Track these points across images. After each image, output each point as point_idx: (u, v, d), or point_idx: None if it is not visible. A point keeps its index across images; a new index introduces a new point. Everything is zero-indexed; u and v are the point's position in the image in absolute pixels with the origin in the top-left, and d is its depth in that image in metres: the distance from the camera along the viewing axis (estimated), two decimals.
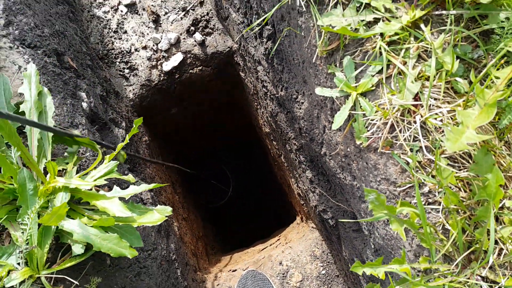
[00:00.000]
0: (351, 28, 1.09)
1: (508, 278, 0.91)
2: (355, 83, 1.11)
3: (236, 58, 2.61)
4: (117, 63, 2.67)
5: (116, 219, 1.17)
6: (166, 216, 1.31)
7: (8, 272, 1.04)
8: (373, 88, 1.09)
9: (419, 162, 1.02)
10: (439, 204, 0.99)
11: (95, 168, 1.28)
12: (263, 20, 1.55)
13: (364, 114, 1.10)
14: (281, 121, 2.04)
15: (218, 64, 2.71)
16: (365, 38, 1.10)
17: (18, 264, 1.06)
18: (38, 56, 1.69)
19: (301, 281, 2.28)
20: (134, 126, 1.33)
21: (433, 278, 0.98)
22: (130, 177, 1.35)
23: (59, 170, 1.28)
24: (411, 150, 1.03)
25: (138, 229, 1.79)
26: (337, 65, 1.16)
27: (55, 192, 1.16)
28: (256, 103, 2.60)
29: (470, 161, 0.97)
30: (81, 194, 1.19)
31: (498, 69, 0.97)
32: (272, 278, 2.31)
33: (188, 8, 2.76)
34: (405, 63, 1.04)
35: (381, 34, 1.07)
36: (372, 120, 1.09)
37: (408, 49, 1.05)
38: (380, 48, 1.06)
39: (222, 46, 2.66)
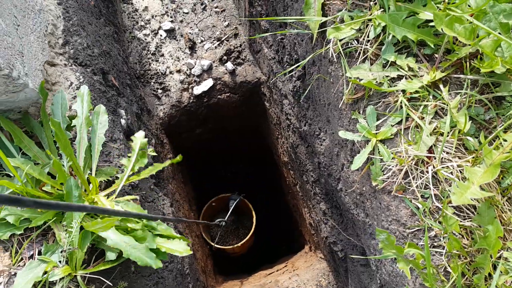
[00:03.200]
0: (376, 82, 1.22)
1: None
2: (376, 130, 1.24)
3: (263, 88, 2.76)
4: (152, 83, 2.85)
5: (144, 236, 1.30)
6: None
7: (51, 268, 1.16)
8: (392, 137, 1.21)
9: (428, 208, 1.13)
10: (443, 248, 1.09)
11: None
12: (297, 65, 1.69)
13: (381, 159, 1.22)
14: (301, 153, 2.17)
15: (245, 92, 2.87)
16: (388, 92, 1.22)
17: (59, 262, 1.19)
18: (88, 74, 1.86)
19: None
20: (177, 157, 1.48)
21: None
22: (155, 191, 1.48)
23: (100, 181, 1.42)
24: (422, 196, 1.14)
25: None
26: (361, 112, 1.29)
27: (97, 202, 1.29)
28: (277, 133, 2.73)
29: (475, 212, 1.08)
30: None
31: (506, 132, 1.09)
32: None
33: (223, 39, 2.94)
34: (422, 118, 1.17)
35: (403, 90, 1.20)
36: (388, 165, 1.20)
37: (426, 106, 1.17)
38: (401, 102, 1.18)
39: (251, 77, 2.82)
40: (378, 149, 1.22)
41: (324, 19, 1.34)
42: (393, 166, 1.19)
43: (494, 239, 0.99)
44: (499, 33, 1.09)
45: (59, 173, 1.19)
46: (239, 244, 3.44)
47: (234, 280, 3.17)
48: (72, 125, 1.42)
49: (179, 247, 1.30)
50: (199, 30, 3.00)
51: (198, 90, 2.83)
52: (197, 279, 2.40)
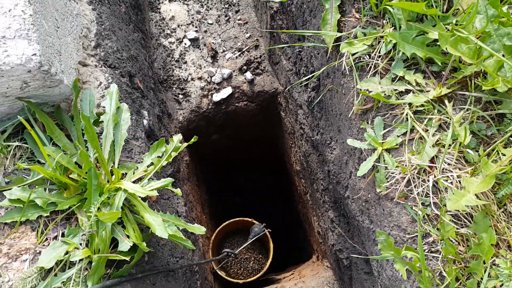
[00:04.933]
0: (384, 94, 1.30)
1: None
2: (382, 140, 1.31)
3: (279, 99, 2.86)
4: (174, 88, 2.97)
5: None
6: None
7: (73, 249, 1.26)
8: (397, 146, 1.28)
9: (428, 215, 1.19)
10: (439, 254, 1.16)
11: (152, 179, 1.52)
12: (312, 75, 1.78)
13: (386, 167, 1.29)
14: (313, 161, 2.24)
15: (262, 101, 2.97)
16: (395, 104, 1.30)
17: (80, 244, 1.29)
18: (116, 75, 1.98)
19: None
20: (193, 139, 1.61)
21: None
22: (178, 191, 1.58)
23: (122, 174, 1.52)
24: (422, 204, 1.21)
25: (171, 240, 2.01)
26: (369, 122, 1.37)
27: (117, 191, 1.39)
28: (291, 142, 2.82)
29: (471, 221, 1.14)
30: (136, 201, 1.42)
31: (505, 147, 1.16)
32: None
33: (243, 50, 3.06)
34: (426, 130, 1.24)
35: (410, 104, 1.27)
36: (392, 173, 1.28)
37: (430, 119, 1.24)
38: (407, 115, 1.26)
39: (268, 87, 2.92)
40: (384, 157, 1.29)
41: (339, 34, 1.43)
42: (396, 174, 1.26)
43: (488, 246, 1.05)
44: (503, 55, 1.16)
45: (85, 162, 1.30)
46: (243, 282, 3.15)
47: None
48: (100, 120, 1.53)
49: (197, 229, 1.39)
50: (221, 40, 3.12)
51: (217, 97, 2.95)
52: (205, 278, 2.48)
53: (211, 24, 3.20)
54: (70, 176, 1.34)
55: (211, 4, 3.27)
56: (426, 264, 1.16)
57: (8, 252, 1.24)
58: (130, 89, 2.07)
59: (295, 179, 3.07)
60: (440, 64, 1.28)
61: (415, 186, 1.22)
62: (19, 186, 1.28)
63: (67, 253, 1.24)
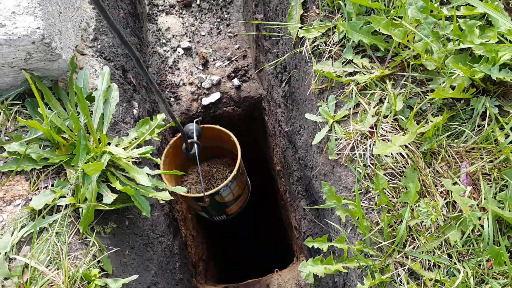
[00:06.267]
0: (335, 74, 1.52)
1: (415, 263, 1.22)
2: (334, 113, 1.52)
3: (263, 103, 3.08)
4: (166, 92, 3.20)
5: (139, 187, 1.58)
6: (173, 196, 1.69)
7: (60, 197, 1.44)
8: (345, 119, 1.49)
9: (367, 174, 1.38)
10: (376, 205, 1.34)
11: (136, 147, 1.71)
12: (277, 60, 2.01)
13: (336, 138, 1.49)
14: (289, 155, 2.44)
15: (248, 106, 3.19)
16: (344, 83, 1.52)
17: (67, 194, 1.46)
18: (110, 66, 2.21)
19: None
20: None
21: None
22: (158, 160, 1.77)
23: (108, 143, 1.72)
24: (364, 165, 1.40)
25: (153, 218, 2.17)
26: (324, 100, 1.58)
27: (103, 154, 1.59)
28: (273, 144, 3.02)
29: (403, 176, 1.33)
30: (121, 162, 1.60)
31: (434, 116, 1.36)
32: None
33: (232, 59, 3.31)
34: (369, 104, 1.45)
35: (356, 82, 1.49)
36: (341, 141, 1.47)
37: (373, 94, 1.45)
38: (353, 91, 1.47)
39: (254, 92, 3.15)
40: (334, 128, 1.50)
41: (301, 25, 1.67)
42: (343, 141, 1.46)
43: (413, 193, 1.24)
44: (431, 40, 1.38)
45: (75, 123, 1.50)
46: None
47: (222, 284, 3.34)
48: (92, 96, 1.74)
49: (164, 195, 1.56)
50: (212, 50, 3.38)
51: (206, 101, 3.17)
52: (185, 264, 2.62)
53: (204, 35, 3.47)
54: (62, 135, 1.54)
55: (205, 18, 3.56)
56: (366, 216, 1.34)
57: (3, 197, 1.42)
58: (123, 80, 2.29)
59: (277, 181, 3.24)
60: (383, 50, 1.51)
61: (357, 150, 1.42)
62: (17, 142, 1.48)
63: (54, 200, 1.42)
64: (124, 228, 1.77)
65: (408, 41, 1.39)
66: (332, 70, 1.52)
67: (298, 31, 1.64)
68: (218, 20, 3.53)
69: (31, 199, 1.43)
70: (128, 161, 1.63)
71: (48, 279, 1.29)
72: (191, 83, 3.25)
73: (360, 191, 1.40)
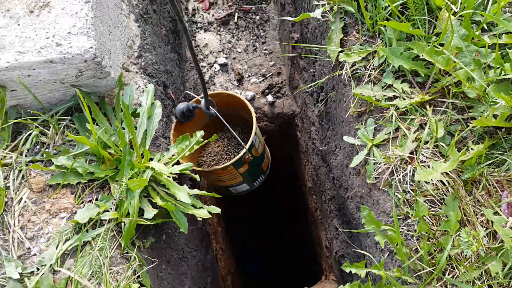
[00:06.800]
0: (375, 98, 1.53)
1: None
2: (372, 137, 1.53)
3: (296, 120, 3.11)
4: None
5: (179, 204, 1.63)
6: (211, 215, 1.72)
7: (104, 211, 1.51)
8: (384, 143, 1.49)
9: (407, 200, 1.38)
10: (415, 232, 1.33)
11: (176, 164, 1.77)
12: (316, 82, 2.04)
13: (375, 161, 1.50)
14: (322, 173, 2.45)
15: (281, 123, 3.23)
16: (383, 107, 1.53)
17: (110, 208, 1.53)
18: (153, 83, 2.30)
19: None
20: (213, 136, 1.84)
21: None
22: (196, 177, 1.82)
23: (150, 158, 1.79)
24: (403, 190, 1.40)
25: (189, 233, 2.22)
26: (363, 123, 1.59)
27: (146, 169, 1.65)
28: (305, 160, 3.03)
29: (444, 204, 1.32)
30: (162, 178, 1.66)
31: (475, 144, 1.35)
32: None
33: (267, 75, 3.37)
34: (409, 129, 1.45)
35: (396, 107, 1.49)
36: (379, 165, 1.48)
37: (413, 120, 1.46)
38: (393, 116, 1.48)
39: (287, 109, 3.19)
40: (373, 152, 1.50)
41: (341, 49, 1.69)
42: (382, 165, 1.47)
43: (454, 221, 1.23)
44: (472, 69, 1.38)
45: (122, 140, 1.57)
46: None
47: None
48: (136, 112, 1.81)
49: (202, 213, 1.60)
50: (248, 66, 3.45)
51: None
52: (215, 278, 2.65)
53: (240, 52, 3.54)
54: (108, 151, 1.61)
55: (241, 35, 3.64)
56: (405, 242, 1.34)
57: (50, 209, 1.50)
58: (163, 96, 2.38)
59: (308, 198, 3.25)
60: (423, 75, 1.51)
61: (397, 175, 1.42)
62: (65, 156, 1.56)
63: (98, 214, 1.49)
64: (162, 242, 1.82)
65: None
66: (372, 94, 1.54)
67: (338, 55, 1.66)
68: (254, 37, 3.60)
69: (76, 212, 1.51)
70: (169, 176, 1.68)
71: None
72: None
73: (399, 217, 1.40)
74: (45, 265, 1.38)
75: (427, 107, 1.47)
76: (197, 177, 1.82)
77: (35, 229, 1.46)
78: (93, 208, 1.51)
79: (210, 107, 2.00)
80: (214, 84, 3.39)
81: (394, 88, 1.53)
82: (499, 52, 1.35)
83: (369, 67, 1.61)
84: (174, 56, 3.00)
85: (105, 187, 1.62)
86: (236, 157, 2.00)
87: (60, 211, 1.52)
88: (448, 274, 1.24)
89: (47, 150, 1.61)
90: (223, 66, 3.49)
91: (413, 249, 1.33)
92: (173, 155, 1.84)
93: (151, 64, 2.34)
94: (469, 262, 1.24)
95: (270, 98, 3.23)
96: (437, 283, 1.24)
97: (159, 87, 2.35)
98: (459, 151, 1.35)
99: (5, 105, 1.59)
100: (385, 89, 1.55)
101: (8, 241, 1.42)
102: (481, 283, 1.21)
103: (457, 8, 1.50)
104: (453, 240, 1.24)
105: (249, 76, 3.41)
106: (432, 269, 1.25)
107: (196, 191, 1.73)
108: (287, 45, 3.20)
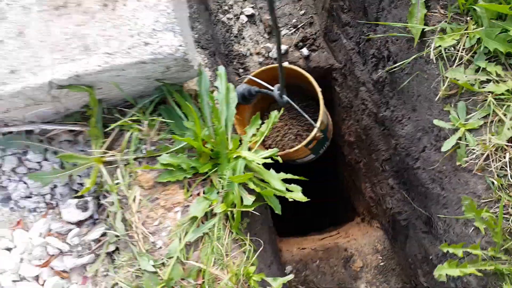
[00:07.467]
0: (469, 83, 1.55)
1: None
2: (464, 121, 1.57)
3: (335, 75, 3.09)
4: (235, 63, 3.21)
5: (275, 190, 1.69)
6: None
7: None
8: (478, 128, 1.54)
9: (502, 185, 1.47)
10: (510, 215, 1.44)
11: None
12: (387, 58, 2.02)
13: (467, 145, 1.55)
14: (374, 134, 2.51)
15: (317, 77, 3.19)
16: (476, 92, 1.55)
17: (219, 201, 1.60)
18: (207, 55, 2.23)
19: (361, 267, 2.74)
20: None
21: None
22: (279, 159, 1.87)
23: None
24: (498, 176, 1.48)
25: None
26: (452, 105, 1.62)
27: (237, 158, 1.69)
28: (344, 115, 3.07)
29: None
30: (253, 165, 1.71)
31: None
32: (337, 260, 2.79)
33: (299, 26, 3.26)
34: (505, 115, 1.49)
35: (491, 92, 1.52)
36: (473, 149, 1.54)
37: (509, 106, 1.49)
38: (489, 101, 1.51)
39: (323, 63, 3.15)
40: (465, 136, 1.56)
41: (426, 28, 1.66)
42: (477, 151, 1.53)
43: None
44: None
45: (219, 136, 1.59)
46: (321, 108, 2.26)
47: (291, 238, 3.57)
48: (215, 98, 1.79)
49: (298, 196, 1.68)
50: (277, 16, 3.32)
51: None
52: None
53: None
54: (205, 145, 1.64)
55: None
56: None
57: (165, 205, 1.56)
58: (215, 66, 2.33)
59: (344, 148, 3.34)
60: None
61: (492, 161, 1.49)
62: (167, 153, 1.58)
63: (209, 206, 1.56)
64: (257, 224, 1.92)
65: None
66: (465, 79, 1.55)
67: (434, 40, 1.63)
68: None
69: (188, 205, 1.58)
70: (259, 163, 1.73)
71: (217, 279, 1.46)
72: (258, 53, 3.24)
73: (491, 200, 1.50)
74: (172, 257, 1.47)
75: None
76: (279, 158, 1.86)
77: (155, 224, 1.53)
78: (203, 201, 1.58)
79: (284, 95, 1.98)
80: (244, 38, 3.28)
81: (488, 71, 1.54)
82: None
83: (459, 47, 1.60)
84: (207, 14, 2.86)
85: (206, 179, 1.66)
86: (308, 138, 2.03)
87: (174, 206, 1.59)
88: None
89: (145, 147, 1.63)
90: (251, 17, 3.35)
91: (507, 230, 1.45)
92: (251, 137, 1.86)
93: (202, 35, 2.26)
94: None
95: (305, 51, 3.16)
96: None
97: (211, 57, 2.29)
98: None
99: (96, 105, 1.56)
100: (477, 72, 1.56)
101: (133, 237, 1.50)
102: None
103: None
104: None
105: (279, 27, 3.29)
106: None
107: (283, 175, 1.79)
108: None
